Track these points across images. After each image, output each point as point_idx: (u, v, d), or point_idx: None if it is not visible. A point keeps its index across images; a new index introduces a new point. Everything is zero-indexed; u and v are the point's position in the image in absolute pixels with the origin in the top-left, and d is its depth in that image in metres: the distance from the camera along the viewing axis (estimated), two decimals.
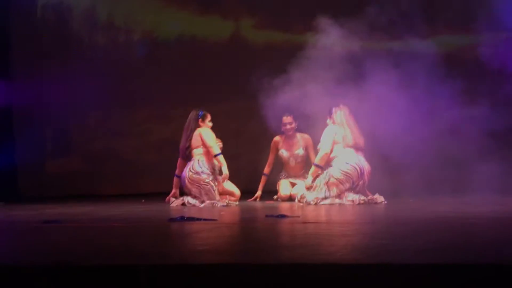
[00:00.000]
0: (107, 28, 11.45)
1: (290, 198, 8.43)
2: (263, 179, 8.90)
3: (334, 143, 7.84)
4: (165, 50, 11.33)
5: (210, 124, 8.32)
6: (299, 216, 5.84)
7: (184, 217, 5.68)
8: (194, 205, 7.80)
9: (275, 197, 8.62)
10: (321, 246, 3.72)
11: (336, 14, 9.66)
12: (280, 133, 8.96)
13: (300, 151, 8.83)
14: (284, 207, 7.44)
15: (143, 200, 8.50)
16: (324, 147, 7.83)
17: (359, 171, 7.69)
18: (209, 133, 8.14)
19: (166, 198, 8.25)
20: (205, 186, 7.93)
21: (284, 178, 8.88)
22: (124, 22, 11.43)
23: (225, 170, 7.96)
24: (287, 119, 8.78)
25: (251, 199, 8.56)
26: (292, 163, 8.84)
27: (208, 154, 8.07)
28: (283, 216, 5.71)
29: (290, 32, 10.03)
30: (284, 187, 8.70)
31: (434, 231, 4.57)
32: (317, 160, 7.88)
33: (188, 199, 7.94)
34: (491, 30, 10.32)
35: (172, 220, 5.61)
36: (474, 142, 9.48)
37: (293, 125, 8.79)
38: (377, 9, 9.72)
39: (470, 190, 8.20)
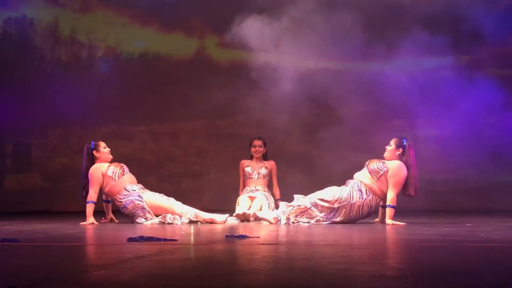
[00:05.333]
0: (70, 44, 11.40)
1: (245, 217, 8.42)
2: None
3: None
4: (129, 67, 11.30)
5: (106, 150, 8.22)
6: (259, 237, 5.81)
7: (144, 236, 5.60)
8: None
9: (234, 215, 8.60)
10: (277, 270, 3.69)
11: (301, 35, 9.75)
12: (247, 157, 9.30)
13: (263, 170, 9.20)
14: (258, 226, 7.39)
15: (103, 218, 8.41)
16: (397, 188, 7.66)
17: None
18: (92, 175, 8.04)
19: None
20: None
21: (244, 193, 9.10)
22: (87, 38, 11.38)
23: (89, 220, 7.90)
24: (258, 142, 9.26)
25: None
26: (255, 176, 9.14)
27: (114, 187, 8.03)
28: (243, 236, 5.69)
29: (253, 51, 10.05)
30: (242, 204, 8.78)
31: (394, 256, 4.58)
32: (392, 202, 7.58)
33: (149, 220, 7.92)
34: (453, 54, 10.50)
35: (131, 239, 5.53)
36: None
37: (262, 149, 9.24)
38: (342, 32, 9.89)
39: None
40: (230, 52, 11.05)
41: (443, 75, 10.70)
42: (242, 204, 8.81)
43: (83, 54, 11.41)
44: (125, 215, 8.17)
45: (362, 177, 7.74)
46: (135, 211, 7.96)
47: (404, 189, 7.70)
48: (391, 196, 7.55)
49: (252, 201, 8.88)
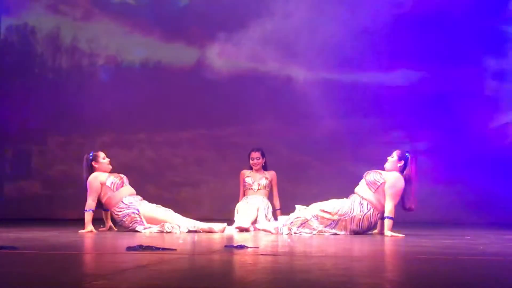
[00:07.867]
0: (71, 52, 11.41)
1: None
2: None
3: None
4: (129, 76, 11.31)
5: (106, 160, 8.21)
6: (258, 247, 5.80)
7: (142, 246, 5.60)
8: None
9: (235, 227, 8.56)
10: (277, 282, 3.69)
11: (304, 45, 9.78)
12: (247, 167, 9.19)
13: (263, 181, 9.07)
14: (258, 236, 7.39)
15: (102, 226, 8.41)
16: (395, 200, 7.63)
17: None
18: (91, 184, 8.03)
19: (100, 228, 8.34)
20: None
21: (243, 200, 9.01)
22: (88, 46, 11.40)
23: (87, 228, 7.90)
24: (255, 154, 9.11)
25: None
26: (255, 187, 9.02)
27: (111, 198, 8.04)
28: (242, 246, 5.68)
29: (255, 61, 10.07)
30: (241, 212, 8.73)
31: (393, 268, 4.58)
32: (390, 213, 7.58)
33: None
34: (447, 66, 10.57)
35: (130, 248, 5.53)
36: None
37: (260, 160, 9.10)
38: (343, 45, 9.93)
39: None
40: (231, 61, 11.06)
41: (440, 86, 10.73)
42: (241, 213, 8.76)
43: (84, 62, 11.41)
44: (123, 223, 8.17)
45: (362, 191, 7.75)
46: (132, 224, 7.98)
47: (402, 203, 7.70)
48: (389, 208, 7.56)
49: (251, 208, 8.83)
